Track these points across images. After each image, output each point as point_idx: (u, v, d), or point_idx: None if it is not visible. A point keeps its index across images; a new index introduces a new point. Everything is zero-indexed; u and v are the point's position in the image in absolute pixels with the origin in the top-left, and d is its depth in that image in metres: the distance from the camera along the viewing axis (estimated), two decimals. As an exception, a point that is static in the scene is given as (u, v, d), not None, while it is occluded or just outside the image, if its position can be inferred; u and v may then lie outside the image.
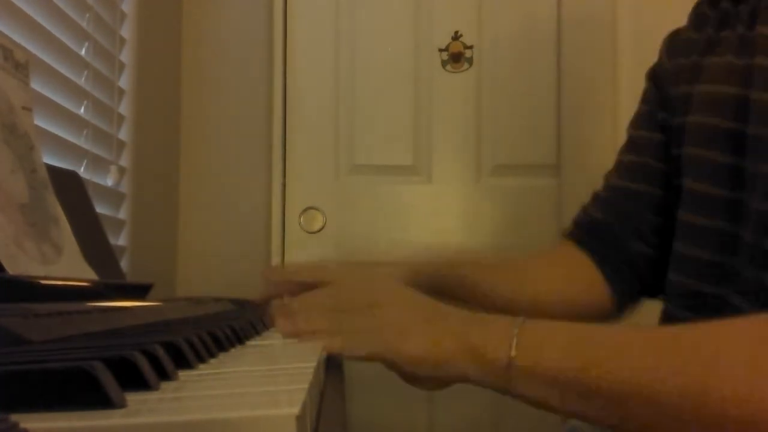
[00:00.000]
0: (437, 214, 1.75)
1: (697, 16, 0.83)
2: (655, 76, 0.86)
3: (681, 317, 0.76)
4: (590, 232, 0.89)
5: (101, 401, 0.28)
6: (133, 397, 0.30)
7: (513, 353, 0.51)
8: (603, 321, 0.87)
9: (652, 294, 0.88)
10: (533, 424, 1.72)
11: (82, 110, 1.23)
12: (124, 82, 1.42)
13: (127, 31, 1.44)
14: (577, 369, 0.49)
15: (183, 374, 0.37)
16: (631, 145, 0.88)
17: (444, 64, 1.78)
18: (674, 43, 0.85)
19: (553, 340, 0.52)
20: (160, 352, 0.36)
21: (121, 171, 1.38)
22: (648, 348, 0.49)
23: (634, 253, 0.87)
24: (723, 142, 0.73)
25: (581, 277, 0.89)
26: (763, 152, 0.68)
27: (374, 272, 0.83)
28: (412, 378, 0.59)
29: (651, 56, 0.96)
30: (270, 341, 0.61)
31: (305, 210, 1.75)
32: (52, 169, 0.83)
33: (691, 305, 0.75)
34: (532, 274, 0.90)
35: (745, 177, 0.71)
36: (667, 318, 0.79)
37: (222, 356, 0.47)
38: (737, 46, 0.75)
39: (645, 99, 0.88)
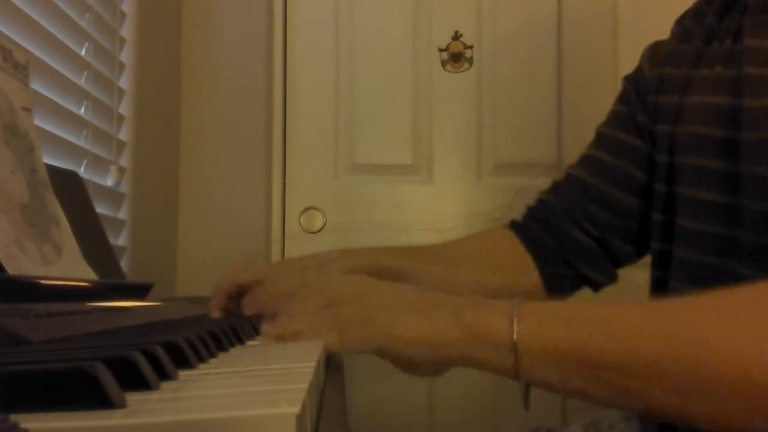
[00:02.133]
0: (438, 213, 1.75)
1: (681, 30, 0.84)
2: (635, 81, 0.88)
3: None
4: (534, 216, 0.93)
5: (101, 401, 0.28)
6: (133, 397, 0.30)
7: (515, 335, 0.51)
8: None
9: (592, 285, 0.90)
10: (533, 413, 1.72)
11: (82, 110, 1.23)
12: (124, 82, 1.42)
13: (127, 31, 1.44)
14: (578, 344, 0.49)
15: (183, 374, 0.37)
16: (604, 142, 0.89)
17: (444, 64, 1.78)
18: (656, 53, 0.87)
19: (552, 318, 0.52)
20: (160, 352, 0.36)
21: (121, 171, 1.38)
22: (647, 318, 0.49)
23: (571, 240, 0.89)
24: (716, 149, 0.74)
25: (513, 262, 0.91)
26: (758, 156, 0.70)
27: (312, 265, 0.80)
28: (409, 365, 0.58)
29: (651, 55, 0.97)
30: (270, 341, 0.61)
31: (305, 210, 1.75)
32: (52, 169, 0.83)
33: None
34: (466, 265, 0.89)
35: (741, 181, 0.72)
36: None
37: (222, 356, 0.47)
38: (725, 57, 0.77)
39: (623, 100, 0.89)
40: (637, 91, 0.87)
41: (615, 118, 0.89)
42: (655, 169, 0.82)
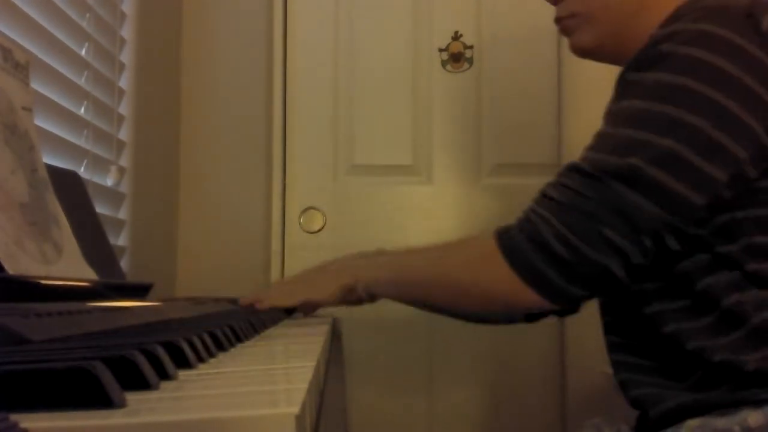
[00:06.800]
0: (437, 214, 1.75)
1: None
2: None
3: None
4: None
5: (102, 401, 0.28)
6: (133, 397, 0.30)
7: (362, 279, 0.96)
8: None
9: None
10: (533, 418, 1.72)
11: (82, 110, 1.23)
12: (124, 82, 1.42)
13: (127, 31, 1.44)
14: (397, 276, 0.94)
15: (183, 374, 0.38)
16: None
17: (444, 64, 1.78)
18: None
19: (382, 260, 0.98)
20: (161, 352, 0.36)
21: (121, 171, 1.39)
22: (424, 252, 0.95)
23: None
24: None
25: None
26: None
27: None
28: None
29: (651, 56, 0.98)
30: (270, 341, 0.61)
31: (305, 210, 1.75)
32: (52, 169, 0.83)
33: None
34: None
35: None
36: None
37: (222, 356, 0.47)
38: None
39: None
40: None
41: None
42: None
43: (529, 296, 0.79)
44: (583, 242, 0.76)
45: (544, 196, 0.82)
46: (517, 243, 0.80)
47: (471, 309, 0.89)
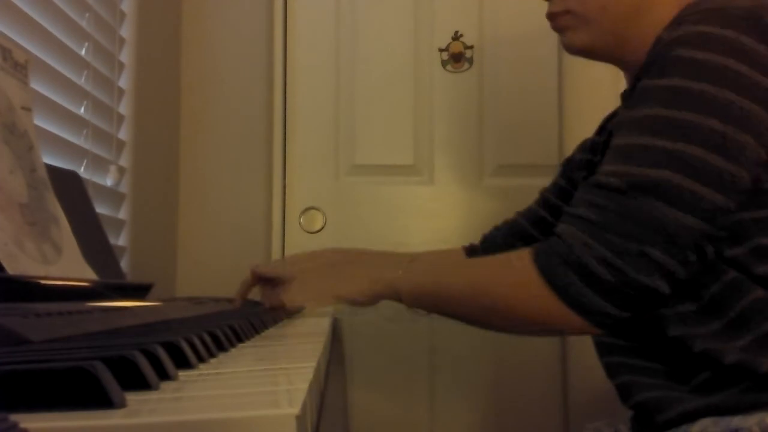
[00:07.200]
0: (438, 214, 1.75)
1: (599, 127, 1.08)
2: (566, 162, 1.15)
3: None
4: (484, 243, 1.21)
5: (102, 401, 0.28)
6: (133, 397, 0.30)
7: (400, 285, 0.93)
8: None
9: None
10: (535, 420, 1.72)
11: (82, 110, 1.23)
12: (124, 82, 1.42)
13: (127, 31, 1.44)
14: (433, 286, 0.91)
15: (183, 374, 0.37)
16: (540, 199, 1.17)
17: (444, 64, 1.78)
18: (584, 145, 1.11)
19: (419, 273, 0.97)
20: (161, 352, 0.36)
21: (121, 171, 1.38)
22: (462, 271, 0.94)
23: None
24: None
25: None
26: None
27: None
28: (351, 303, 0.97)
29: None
30: (270, 341, 0.61)
31: (305, 210, 1.74)
32: (52, 169, 0.83)
33: None
34: None
35: None
36: None
37: (222, 356, 0.47)
38: None
39: (558, 174, 1.16)
40: (565, 168, 1.14)
41: (551, 185, 1.16)
42: None
43: (574, 321, 0.76)
44: (627, 264, 0.73)
45: (576, 217, 0.78)
46: (559, 269, 0.76)
47: (512, 329, 0.89)
